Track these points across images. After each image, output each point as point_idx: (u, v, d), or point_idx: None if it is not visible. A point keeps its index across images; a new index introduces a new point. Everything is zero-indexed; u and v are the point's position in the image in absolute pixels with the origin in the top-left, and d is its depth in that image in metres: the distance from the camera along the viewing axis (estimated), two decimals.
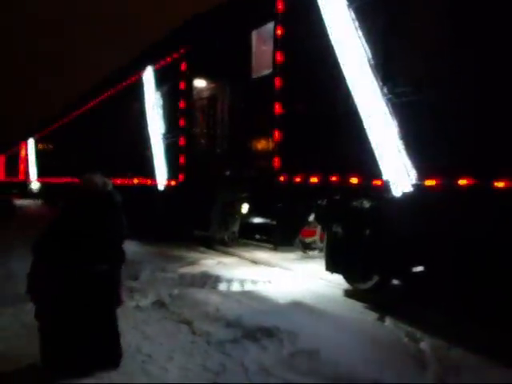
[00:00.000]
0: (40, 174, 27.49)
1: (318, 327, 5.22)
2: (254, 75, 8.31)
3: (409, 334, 4.99)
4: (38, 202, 27.78)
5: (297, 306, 6.06)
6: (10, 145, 38.70)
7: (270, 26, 7.71)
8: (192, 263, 8.86)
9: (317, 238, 9.00)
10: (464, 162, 4.79)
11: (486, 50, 4.63)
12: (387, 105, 5.50)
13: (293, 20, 7.23)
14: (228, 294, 6.69)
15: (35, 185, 30.05)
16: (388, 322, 5.41)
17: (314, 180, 6.65)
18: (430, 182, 5.06)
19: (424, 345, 4.69)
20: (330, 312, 5.81)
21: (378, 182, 5.65)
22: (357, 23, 5.92)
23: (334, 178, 6.31)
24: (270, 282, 7.39)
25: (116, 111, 14.15)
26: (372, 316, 5.64)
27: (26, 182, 31.73)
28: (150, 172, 11.18)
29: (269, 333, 4.86)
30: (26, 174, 30.97)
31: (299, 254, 9.65)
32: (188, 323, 5.28)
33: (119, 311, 4.23)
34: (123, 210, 4.19)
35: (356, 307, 6.08)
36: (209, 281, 7.36)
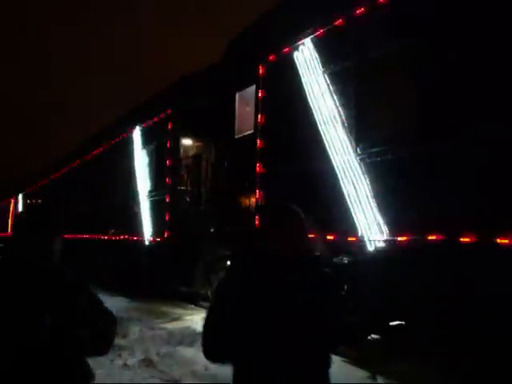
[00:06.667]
0: None
1: None
2: (237, 135, 8.62)
3: None
4: None
5: None
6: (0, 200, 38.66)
7: (252, 88, 8.09)
8: (178, 319, 8.83)
9: None
10: (431, 218, 4.99)
11: (451, 112, 4.92)
12: (360, 164, 5.76)
13: (273, 83, 7.61)
14: None
15: None
16: (379, 379, 5.33)
17: None
18: (401, 238, 5.24)
19: None
20: None
21: (353, 239, 5.82)
22: (331, 87, 6.28)
23: (311, 235, 6.46)
24: None
25: (104, 168, 14.38)
26: (362, 373, 5.55)
27: None
28: (136, 228, 11.29)
29: None
30: None
31: None
32: (176, 382, 5.17)
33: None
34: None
35: (343, 364, 5.93)
36: (197, 338, 7.21)
